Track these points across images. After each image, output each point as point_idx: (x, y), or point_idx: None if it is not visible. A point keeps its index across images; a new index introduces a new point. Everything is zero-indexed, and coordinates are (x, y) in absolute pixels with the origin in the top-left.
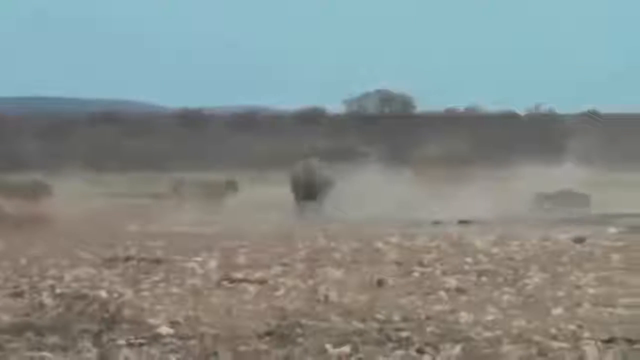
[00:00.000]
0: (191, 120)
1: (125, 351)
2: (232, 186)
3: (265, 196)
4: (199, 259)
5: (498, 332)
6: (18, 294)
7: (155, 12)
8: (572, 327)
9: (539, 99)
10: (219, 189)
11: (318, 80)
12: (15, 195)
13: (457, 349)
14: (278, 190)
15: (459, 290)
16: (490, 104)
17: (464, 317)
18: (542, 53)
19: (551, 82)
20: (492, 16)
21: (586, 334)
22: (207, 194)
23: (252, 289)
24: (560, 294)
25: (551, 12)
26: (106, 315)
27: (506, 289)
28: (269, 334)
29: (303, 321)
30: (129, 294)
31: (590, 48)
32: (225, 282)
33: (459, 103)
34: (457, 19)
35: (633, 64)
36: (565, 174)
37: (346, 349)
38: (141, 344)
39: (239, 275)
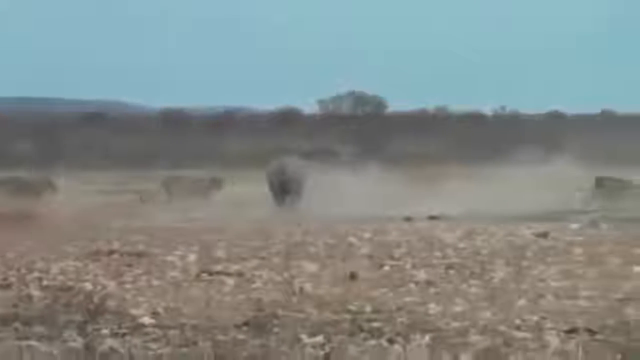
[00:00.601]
0: (174, 120)
1: (109, 340)
2: (216, 184)
3: (245, 193)
4: (179, 252)
5: (465, 323)
6: (6, 286)
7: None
8: (535, 318)
9: (505, 100)
10: (204, 186)
11: (293, 81)
12: (20, 192)
13: (427, 338)
14: (257, 188)
15: (428, 283)
16: (459, 105)
17: (433, 308)
18: (507, 55)
19: (516, 83)
20: (461, 19)
21: (549, 325)
22: (192, 191)
23: (230, 281)
24: (524, 286)
25: (517, 14)
26: (91, 306)
27: (473, 281)
28: (246, 324)
29: (279, 312)
30: (112, 286)
31: (555, 50)
32: (204, 275)
33: (429, 104)
34: (426, 21)
35: (595, 65)
36: (529, 172)
37: (320, 338)
38: (124, 334)
39: (217, 268)
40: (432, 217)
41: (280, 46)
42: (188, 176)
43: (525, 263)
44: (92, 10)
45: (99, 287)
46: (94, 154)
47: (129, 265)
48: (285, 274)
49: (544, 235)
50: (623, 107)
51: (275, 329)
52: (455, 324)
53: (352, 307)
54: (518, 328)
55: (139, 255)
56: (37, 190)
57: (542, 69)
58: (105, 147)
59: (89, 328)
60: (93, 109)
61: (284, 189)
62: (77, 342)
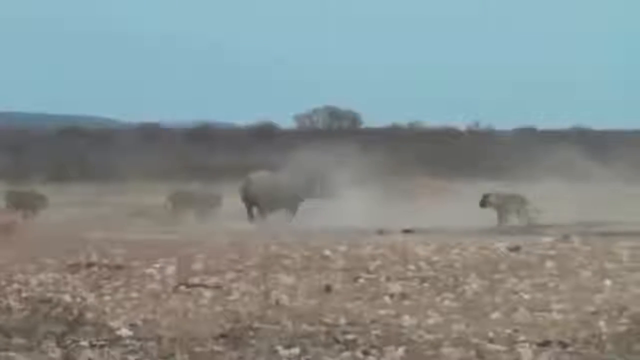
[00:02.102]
0: (149, 134)
1: (88, 352)
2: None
3: (223, 206)
4: (157, 265)
5: (439, 335)
6: None
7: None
8: (508, 330)
9: (479, 114)
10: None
11: (270, 96)
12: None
13: (401, 351)
14: (233, 202)
15: (403, 296)
16: (433, 120)
17: (407, 320)
18: (482, 70)
19: (490, 98)
20: (435, 35)
21: (522, 337)
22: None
23: (207, 293)
24: (498, 299)
25: (490, 29)
26: (70, 318)
27: (447, 294)
28: (223, 336)
29: (255, 324)
30: (91, 298)
31: (529, 65)
32: (182, 287)
33: (403, 119)
34: (400, 36)
35: (570, 80)
36: (500, 186)
37: (296, 350)
38: (102, 346)
39: (195, 280)
40: (406, 231)
41: (254, 62)
42: (192, 191)
43: (498, 276)
44: (73, 26)
45: (77, 299)
46: (71, 168)
47: (108, 278)
48: (262, 287)
49: (517, 248)
50: (595, 123)
51: (252, 341)
52: (429, 336)
53: (328, 319)
54: (491, 340)
55: (118, 267)
56: (33, 205)
57: (517, 84)
58: (81, 160)
59: (68, 339)
60: (69, 124)
61: (251, 202)
62: (56, 354)
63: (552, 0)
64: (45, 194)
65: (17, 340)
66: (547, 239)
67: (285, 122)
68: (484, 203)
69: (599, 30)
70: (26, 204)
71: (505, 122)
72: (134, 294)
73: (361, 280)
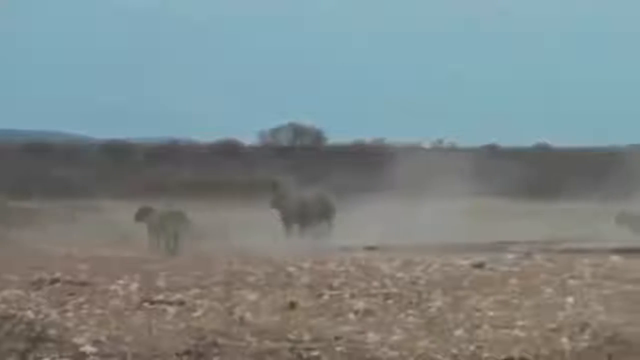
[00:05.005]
0: (116, 151)
1: None
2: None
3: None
4: (121, 281)
5: (403, 352)
6: None
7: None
8: (472, 347)
9: (444, 132)
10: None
11: (232, 113)
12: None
13: None
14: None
15: (367, 312)
16: (397, 137)
17: (371, 337)
18: (447, 86)
19: (455, 115)
20: (396, 50)
21: (485, 354)
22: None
23: (171, 310)
24: (461, 316)
25: (453, 46)
26: (32, 335)
27: (411, 311)
28: (187, 352)
29: (219, 340)
30: (54, 314)
31: (492, 82)
32: (146, 304)
33: (367, 135)
34: (360, 52)
35: (533, 97)
36: (460, 205)
37: None
38: None
39: (159, 297)
40: (369, 248)
41: (221, 78)
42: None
43: (462, 293)
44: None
45: (41, 316)
46: (36, 184)
47: (72, 294)
48: (226, 303)
49: (480, 265)
50: (559, 141)
51: (216, 358)
52: (393, 353)
53: (292, 336)
54: (455, 357)
55: (82, 284)
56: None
57: (481, 101)
58: (46, 177)
59: (31, 357)
60: (35, 140)
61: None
62: None
63: None
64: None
65: None
66: (510, 256)
67: (249, 139)
68: None
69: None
70: None
71: (471, 139)
72: (98, 311)
73: (325, 297)
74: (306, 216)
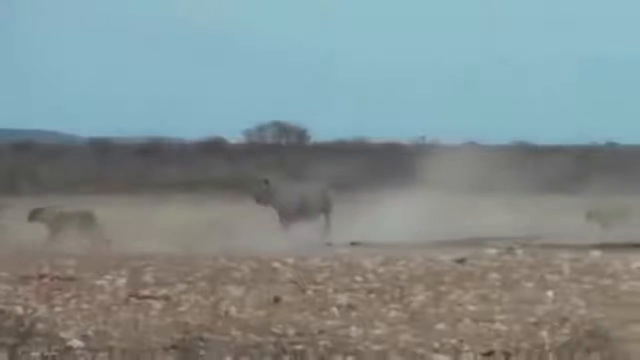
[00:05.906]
0: (101, 148)
1: None
2: None
3: (172, 220)
4: (108, 277)
5: (386, 346)
6: None
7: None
8: (453, 341)
9: (427, 129)
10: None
11: (218, 111)
12: None
13: None
14: (185, 215)
15: (350, 307)
16: (378, 135)
17: (354, 331)
18: (428, 84)
19: (438, 112)
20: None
21: (466, 347)
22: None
23: (157, 305)
24: (443, 310)
25: (437, 45)
26: (21, 329)
27: (393, 305)
28: (173, 347)
29: (205, 335)
30: (42, 309)
31: (473, 81)
32: (132, 299)
33: (349, 134)
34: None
35: (517, 96)
36: (442, 200)
37: None
38: (54, 357)
39: (145, 292)
40: (352, 243)
41: (206, 77)
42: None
43: (443, 288)
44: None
45: (29, 311)
46: (23, 181)
47: (59, 289)
48: (212, 298)
49: (462, 260)
50: (538, 138)
51: (202, 352)
52: (376, 347)
53: (276, 330)
54: (436, 350)
55: (69, 279)
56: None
57: (462, 98)
58: (33, 174)
59: (19, 351)
60: (23, 139)
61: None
62: None
63: None
64: None
65: None
66: (491, 251)
67: (234, 137)
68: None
69: None
70: None
71: (453, 136)
72: (85, 306)
73: (309, 292)
74: (306, 211)
